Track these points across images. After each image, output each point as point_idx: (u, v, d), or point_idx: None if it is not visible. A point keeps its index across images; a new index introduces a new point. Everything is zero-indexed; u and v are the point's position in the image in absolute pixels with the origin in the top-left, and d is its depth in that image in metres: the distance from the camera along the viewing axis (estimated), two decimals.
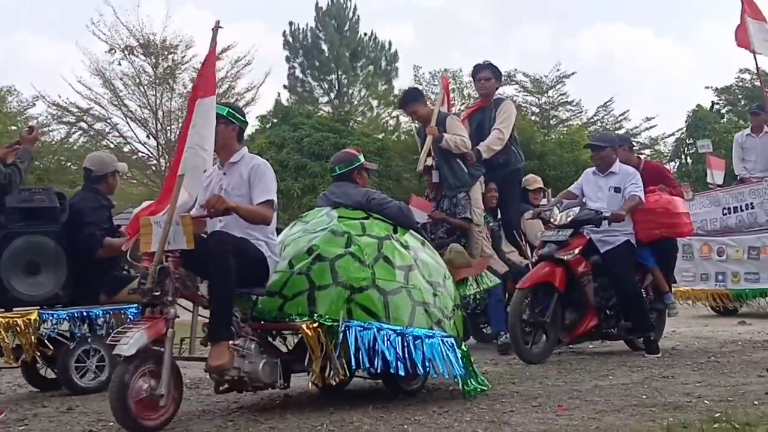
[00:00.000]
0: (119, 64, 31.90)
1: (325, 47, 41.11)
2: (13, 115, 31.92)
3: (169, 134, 32.27)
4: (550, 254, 7.66)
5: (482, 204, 8.86)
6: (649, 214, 8.00)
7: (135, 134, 33.37)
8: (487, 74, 9.26)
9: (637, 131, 36.79)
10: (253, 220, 5.32)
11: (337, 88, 41.25)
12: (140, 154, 34.05)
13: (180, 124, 29.09)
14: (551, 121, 37.63)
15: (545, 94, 37.48)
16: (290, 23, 41.47)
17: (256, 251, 5.34)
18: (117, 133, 33.98)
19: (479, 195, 8.83)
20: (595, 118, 37.78)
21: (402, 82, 40.05)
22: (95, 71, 32.08)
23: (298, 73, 41.04)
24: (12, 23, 58.32)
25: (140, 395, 4.74)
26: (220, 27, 5.29)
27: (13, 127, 28.14)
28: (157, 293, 4.89)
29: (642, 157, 9.75)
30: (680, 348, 8.54)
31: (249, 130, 36.11)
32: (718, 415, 4.73)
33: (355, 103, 41.06)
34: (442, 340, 5.56)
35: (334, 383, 5.50)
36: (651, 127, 37.63)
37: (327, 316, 5.33)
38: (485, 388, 5.86)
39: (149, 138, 33.30)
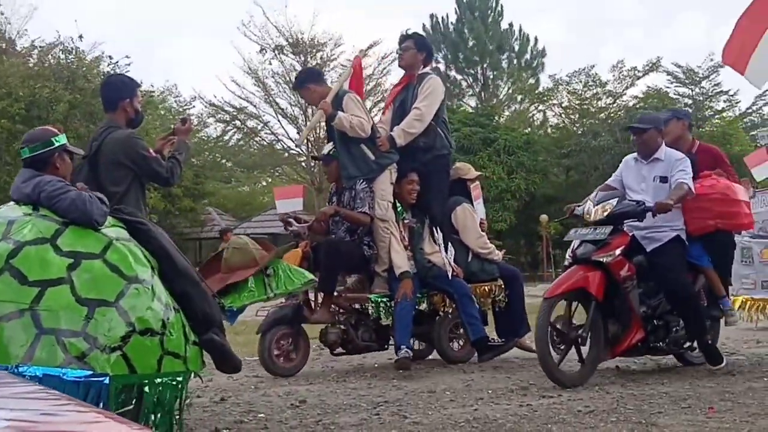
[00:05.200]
0: (270, 63, 32.92)
1: (469, 40, 40.98)
2: (173, 115, 33.26)
3: (318, 131, 32.94)
4: (587, 256, 6.47)
5: (391, 196, 7.63)
6: (702, 202, 6.74)
7: (286, 131, 34.24)
8: (408, 44, 7.96)
9: None
10: None
11: (482, 81, 41.07)
12: (291, 151, 34.91)
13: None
14: (706, 113, 36.41)
15: (698, 85, 36.32)
16: (431, 16, 41.42)
17: None
18: (269, 131, 34.96)
19: (387, 186, 7.61)
20: (752, 108, 36.32)
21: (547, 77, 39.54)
22: (247, 71, 33.22)
23: (441, 67, 41.13)
24: (174, 27, 60.84)
25: None
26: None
27: (172, 126, 29.21)
28: None
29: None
30: None
31: None
32: None
33: (501, 97, 40.84)
34: (82, 381, 3.92)
35: None
36: None
37: None
38: None
39: (299, 135, 34.06)
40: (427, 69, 8.12)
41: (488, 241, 8.18)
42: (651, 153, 6.82)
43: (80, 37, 25.84)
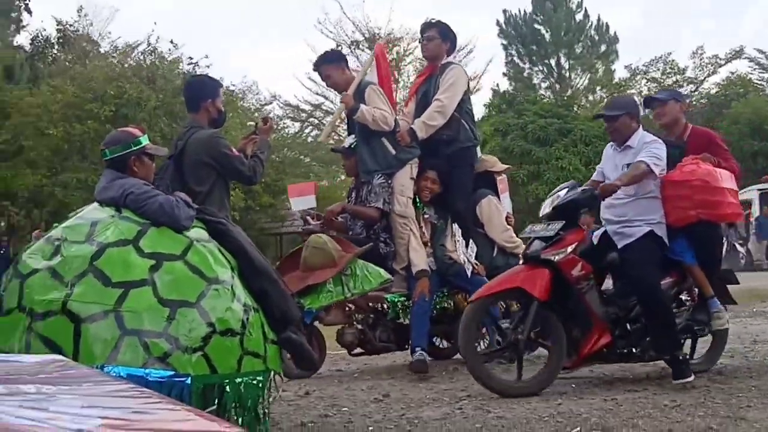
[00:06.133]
0: None
1: (543, 31, 40.61)
2: (252, 112, 33.67)
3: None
4: (536, 254, 6.01)
5: (411, 192, 7.38)
6: (681, 189, 6.08)
7: None
8: (431, 33, 7.64)
9: None
10: None
11: (556, 72, 40.65)
12: None
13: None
14: None
15: None
16: (504, 11, 41.17)
17: None
18: (345, 127, 35.12)
19: (406, 181, 7.36)
20: None
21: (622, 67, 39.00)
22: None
23: (516, 59, 40.78)
24: (252, 26, 61.65)
25: None
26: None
27: (251, 123, 29.68)
28: None
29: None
30: None
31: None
32: None
33: (578, 87, 40.38)
34: (165, 381, 4.02)
35: None
36: None
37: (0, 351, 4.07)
38: None
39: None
40: (451, 58, 7.81)
41: (514, 235, 7.89)
42: (624, 140, 6.26)
43: (158, 38, 26.33)
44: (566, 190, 6.15)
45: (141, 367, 4.01)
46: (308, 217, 7.59)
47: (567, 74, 40.31)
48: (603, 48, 40.24)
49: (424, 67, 7.98)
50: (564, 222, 5.99)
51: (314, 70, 7.78)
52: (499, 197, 7.86)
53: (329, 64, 7.55)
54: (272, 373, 4.55)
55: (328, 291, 5.80)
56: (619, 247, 6.12)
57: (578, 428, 4.66)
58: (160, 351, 4.06)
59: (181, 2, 63.33)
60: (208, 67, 27.06)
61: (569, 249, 5.93)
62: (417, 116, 7.48)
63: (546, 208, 6.17)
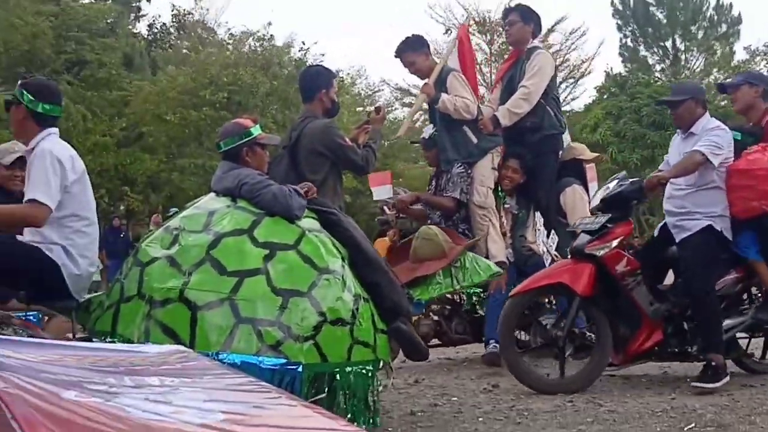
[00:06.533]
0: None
1: (658, 13, 39.53)
2: (362, 99, 33.86)
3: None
4: (580, 248, 5.74)
5: (491, 182, 7.17)
6: (745, 178, 5.66)
7: None
8: (513, 17, 7.36)
9: None
10: (8, 224, 4.54)
11: (672, 54, 39.56)
12: None
13: None
14: None
15: None
16: None
17: (41, 258, 4.46)
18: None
19: (487, 171, 7.14)
20: None
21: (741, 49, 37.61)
22: (433, 52, 33.34)
23: (629, 42, 39.81)
24: (362, 10, 61.96)
25: None
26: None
27: (360, 108, 29.90)
28: None
29: None
30: None
31: (584, 101, 35.80)
32: None
33: (693, 69, 39.21)
34: (277, 369, 4.11)
35: None
36: None
37: (121, 337, 4.30)
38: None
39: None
40: (537, 42, 7.52)
41: None
42: (688, 126, 5.86)
43: (269, 23, 26.72)
44: (616, 181, 5.90)
45: (254, 355, 4.11)
46: (385, 207, 7.50)
47: (682, 56, 39.18)
48: (723, 28, 38.90)
49: (510, 53, 7.77)
50: (610, 215, 5.74)
51: (396, 56, 7.56)
52: (587, 186, 7.55)
53: (412, 50, 7.38)
54: (381, 362, 4.60)
55: (437, 283, 5.78)
56: (676, 240, 5.83)
57: (693, 424, 4.53)
58: (272, 339, 4.16)
59: None
60: (322, 55, 27.36)
61: (614, 243, 5.67)
62: (502, 103, 7.27)
63: (596, 200, 5.98)
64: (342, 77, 29.34)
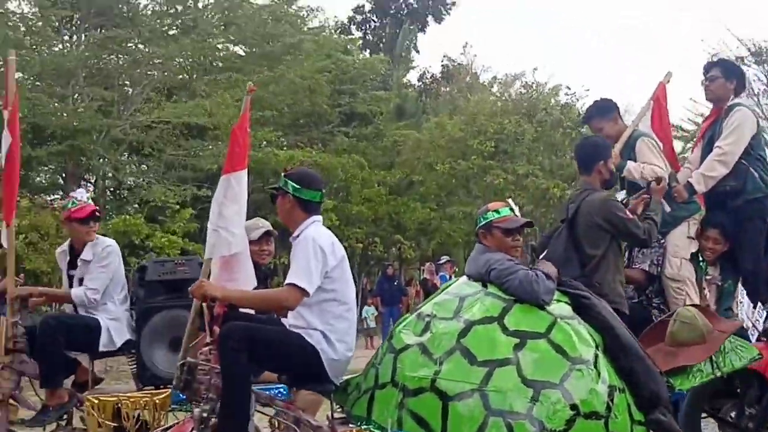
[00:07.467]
0: None
1: None
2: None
3: None
4: None
5: (687, 252, 6.50)
6: None
7: None
8: (715, 72, 6.75)
9: None
10: (259, 307, 4.78)
11: None
12: None
13: None
14: None
15: None
16: None
17: (303, 345, 4.63)
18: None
19: (682, 241, 6.50)
20: None
21: None
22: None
23: None
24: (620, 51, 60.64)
25: None
26: (253, 90, 4.94)
27: None
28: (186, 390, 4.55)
29: None
30: None
31: None
32: None
33: None
34: None
35: None
36: None
37: (376, 424, 4.42)
38: None
39: None
40: (739, 99, 6.88)
41: None
42: None
43: (535, 69, 26.73)
44: None
45: None
46: None
47: None
48: None
49: (710, 110, 7.17)
50: None
51: (584, 123, 7.32)
52: None
53: (600, 117, 6.92)
54: None
55: (698, 370, 5.44)
56: None
57: None
58: None
59: (548, 33, 63.69)
60: (587, 91, 26.98)
61: None
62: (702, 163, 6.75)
63: None
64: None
